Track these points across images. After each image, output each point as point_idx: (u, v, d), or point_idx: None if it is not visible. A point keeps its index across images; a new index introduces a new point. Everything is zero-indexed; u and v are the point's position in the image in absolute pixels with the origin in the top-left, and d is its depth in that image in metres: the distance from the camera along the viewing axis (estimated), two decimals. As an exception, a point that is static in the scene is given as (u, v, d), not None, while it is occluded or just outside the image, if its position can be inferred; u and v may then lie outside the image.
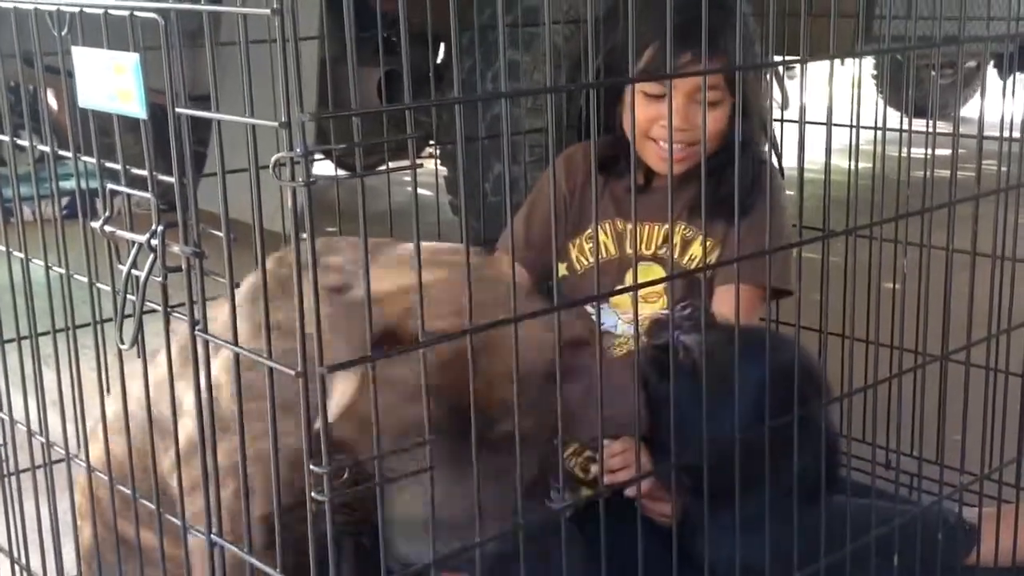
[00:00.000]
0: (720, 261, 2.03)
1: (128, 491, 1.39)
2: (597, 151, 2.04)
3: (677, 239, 2.09)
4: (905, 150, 2.01)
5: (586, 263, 2.12)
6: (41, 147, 1.38)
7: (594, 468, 1.91)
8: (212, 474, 1.19)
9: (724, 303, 1.98)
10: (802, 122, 1.54)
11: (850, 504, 1.65)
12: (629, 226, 2.07)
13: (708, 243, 2.07)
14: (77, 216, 1.42)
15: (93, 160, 1.27)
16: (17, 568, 1.74)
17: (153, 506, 1.34)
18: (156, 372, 1.36)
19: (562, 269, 2.12)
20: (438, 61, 3.90)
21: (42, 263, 1.43)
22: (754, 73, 2.03)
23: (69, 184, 1.54)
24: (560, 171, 2.13)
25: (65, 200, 1.43)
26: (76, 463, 1.52)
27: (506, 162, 1.25)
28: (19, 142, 1.43)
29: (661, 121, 1.98)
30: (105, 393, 1.44)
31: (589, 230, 2.12)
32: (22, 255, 1.47)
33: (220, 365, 1.31)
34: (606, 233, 2.11)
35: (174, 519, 1.31)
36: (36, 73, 1.42)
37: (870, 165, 2.10)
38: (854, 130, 2.04)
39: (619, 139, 2.08)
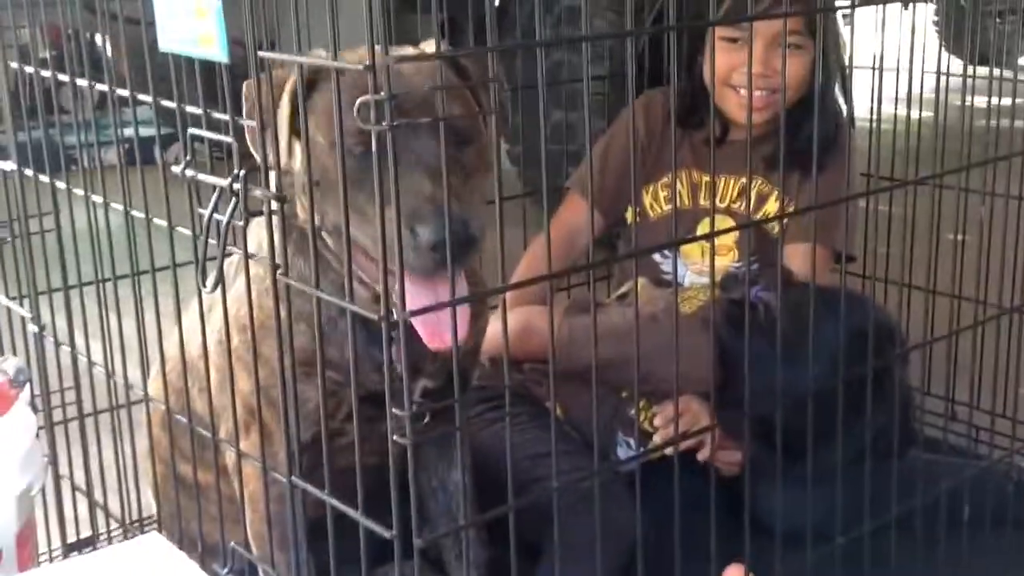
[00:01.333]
0: (795, 211, 1.99)
1: (195, 430, 1.42)
2: (675, 100, 2.01)
3: (753, 193, 2.06)
4: (978, 98, 1.96)
5: (660, 211, 2.09)
6: (120, 91, 1.39)
7: (658, 421, 1.90)
8: (292, 418, 1.20)
9: (794, 261, 1.96)
10: (880, 69, 1.51)
11: (920, 459, 1.64)
12: (705, 178, 2.05)
13: (783, 200, 2.04)
14: (145, 163, 1.43)
15: (172, 104, 1.28)
16: (94, 508, 1.78)
17: (208, 434, 1.36)
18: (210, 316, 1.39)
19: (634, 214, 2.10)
20: (496, 6, 3.86)
21: (119, 207, 1.44)
22: (833, 19, 1.98)
23: (130, 131, 1.55)
24: (639, 115, 2.09)
25: (127, 147, 1.44)
26: (155, 405, 1.55)
27: (585, 111, 1.24)
28: (98, 86, 1.44)
29: (742, 68, 1.94)
30: (180, 336, 1.46)
31: (664, 178, 2.09)
32: (100, 199, 1.48)
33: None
34: (681, 183, 2.08)
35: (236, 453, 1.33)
36: (105, 21, 1.42)
37: (936, 114, 2.05)
38: (927, 77, 2.00)
39: (697, 88, 2.04)
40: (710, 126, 1.99)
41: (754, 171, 2.04)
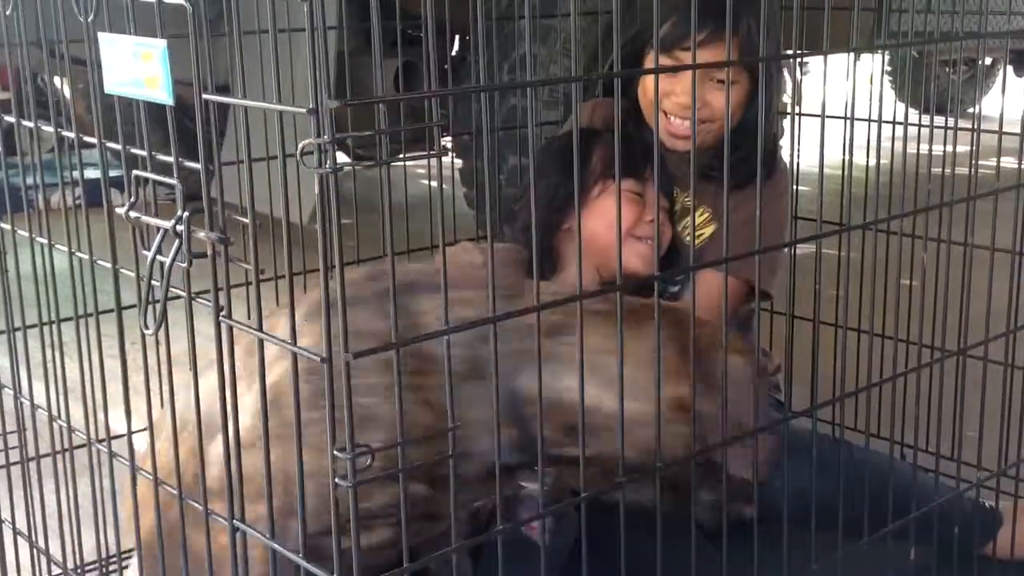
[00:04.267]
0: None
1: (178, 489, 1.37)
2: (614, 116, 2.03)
3: (678, 207, 2.09)
4: (924, 146, 2.01)
5: None
6: (66, 133, 1.39)
7: None
8: (235, 458, 1.19)
9: (704, 287, 1.97)
10: (823, 116, 1.54)
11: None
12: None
13: (704, 216, 2.08)
14: (95, 204, 1.42)
15: (118, 147, 1.28)
16: (36, 553, 1.75)
17: (199, 507, 1.32)
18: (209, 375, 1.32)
19: None
20: (453, 53, 3.90)
21: (65, 249, 1.44)
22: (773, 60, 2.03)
23: (87, 173, 1.55)
24: (584, 118, 2.10)
25: (78, 189, 1.44)
26: (96, 448, 1.53)
27: (531, 150, 1.25)
28: (45, 127, 1.44)
29: (673, 97, 1.99)
30: (127, 381, 1.45)
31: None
32: (45, 240, 1.48)
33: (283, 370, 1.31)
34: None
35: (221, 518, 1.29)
36: (56, 62, 1.43)
37: (884, 161, 2.10)
38: (873, 125, 2.04)
39: (634, 108, 2.07)
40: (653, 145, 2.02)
41: (681, 184, 2.06)
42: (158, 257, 1.20)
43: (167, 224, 1.17)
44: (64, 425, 1.57)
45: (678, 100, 1.98)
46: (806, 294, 2.04)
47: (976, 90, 6.01)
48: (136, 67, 1.16)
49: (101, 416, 1.53)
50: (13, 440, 1.76)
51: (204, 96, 1.12)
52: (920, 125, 2.02)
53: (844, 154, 1.70)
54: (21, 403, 1.66)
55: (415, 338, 1.20)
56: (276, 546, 1.16)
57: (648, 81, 2.01)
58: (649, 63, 2.02)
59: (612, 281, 1.98)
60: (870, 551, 1.61)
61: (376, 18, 1.12)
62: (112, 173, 1.39)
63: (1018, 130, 1.89)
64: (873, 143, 1.89)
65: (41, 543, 1.72)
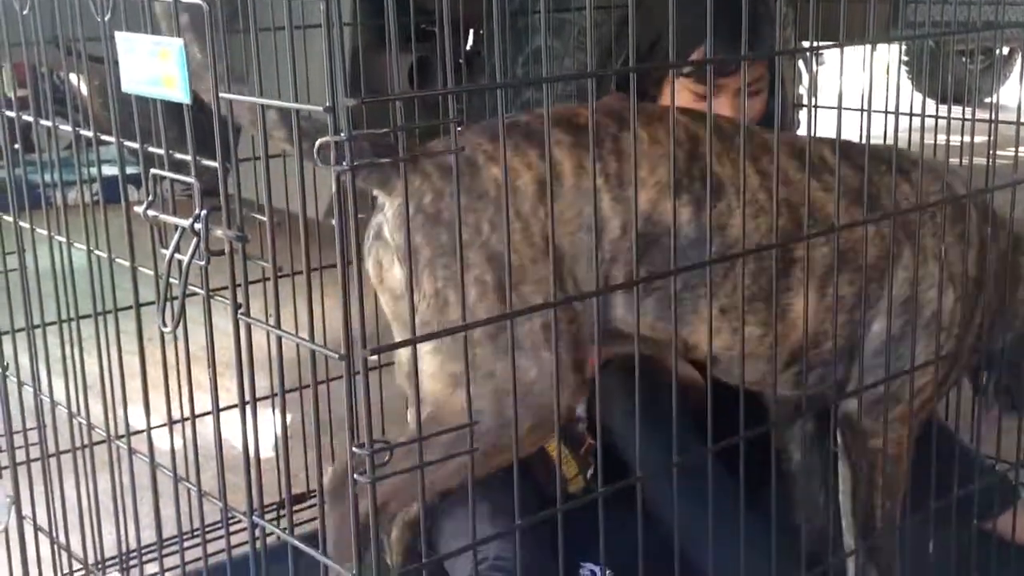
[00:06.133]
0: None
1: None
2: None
3: None
4: (941, 136, 1.99)
5: None
6: (84, 132, 1.39)
7: None
8: (253, 454, 1.20)
9: None
10: (840, 108, 1.54)
11: None
12: None
13: None
14: (111, 201, 1.43)
15: (135, 144, 1.28)
16: (57, 549, 1.77)
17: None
18: None
19: None
20: (467, 47, 3.90)
21: (83, 247, 1.44)
22: (786, 58, 2.04)
23: (104, 170, 1.56)
24: None
25: (95, 186, 1.45)
26: (115, 444, 1.54)
27: (548, 148, 1.25)
28: (62, 127, 1.44)
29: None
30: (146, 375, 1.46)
31: None
32: (64, 239, 1.48)
33: None
34: None
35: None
36: (73, 60, 1.43)
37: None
38: (889, 116, 2.03)
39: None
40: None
41: None
42: (176, 255, 1.21)
43: (185, 223, 1.17)
44: (83, 421, 1.58)
45: None
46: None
47: (993, 80, 5.97)
48: (153, 66, 1.17)
49: (120, 412, 1.54)
50: (33, 436, 1.77)
51: (222, 95, 1.12)
52: (937, 116, 2.00)
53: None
54: (41, 400, 1.67)
55: (432, 334, 1.20)
56: (296, 542, 1.17)
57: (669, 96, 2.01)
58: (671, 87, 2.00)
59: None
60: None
61: (392, 14, 1.12)
62: (129, 170, 1.39)
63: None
64: (890, 134, 1.88)
65: (62, 539, 1.74)
